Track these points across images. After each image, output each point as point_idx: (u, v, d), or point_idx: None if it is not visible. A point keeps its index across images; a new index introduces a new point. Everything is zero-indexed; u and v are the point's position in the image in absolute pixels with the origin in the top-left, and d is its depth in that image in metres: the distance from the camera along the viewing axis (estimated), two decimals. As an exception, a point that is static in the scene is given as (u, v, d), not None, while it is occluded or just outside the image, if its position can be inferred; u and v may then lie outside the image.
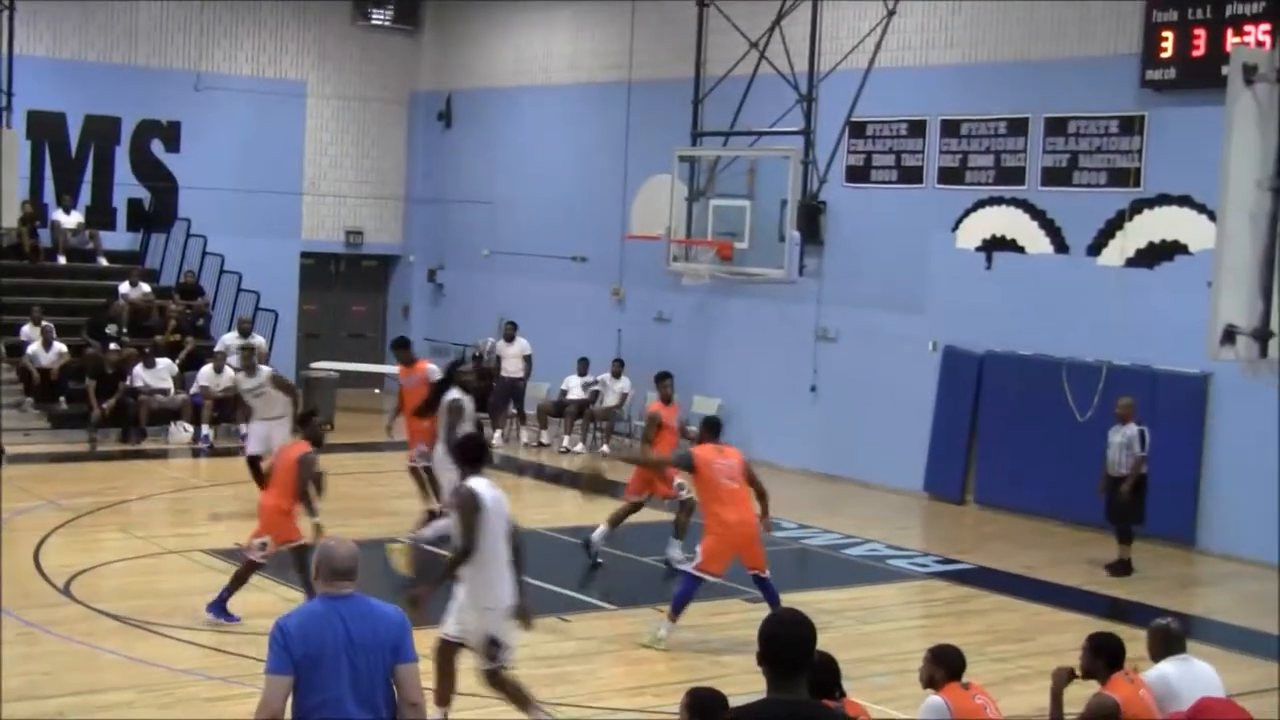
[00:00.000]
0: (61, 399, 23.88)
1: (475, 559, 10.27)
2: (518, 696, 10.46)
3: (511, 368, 25.22)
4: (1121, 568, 17.01)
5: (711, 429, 14.15)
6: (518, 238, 28.38)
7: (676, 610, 13.25)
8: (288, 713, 6.76)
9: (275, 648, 6.79)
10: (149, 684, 11.46)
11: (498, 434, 24.55)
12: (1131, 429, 17.07)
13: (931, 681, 8.60)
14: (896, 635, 14.47)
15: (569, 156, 27.64)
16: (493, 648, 10.30)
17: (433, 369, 18.24)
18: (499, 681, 10.39)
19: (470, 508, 10.20)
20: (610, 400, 24.71)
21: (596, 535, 16.57)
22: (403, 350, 18.75)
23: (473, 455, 10.61)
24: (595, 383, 25.02)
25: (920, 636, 13.69)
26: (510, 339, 25.33)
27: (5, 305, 25.14)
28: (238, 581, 13.47)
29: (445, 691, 10.41)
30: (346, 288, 31.29)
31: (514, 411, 25.46)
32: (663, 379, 18.12)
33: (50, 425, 23.53)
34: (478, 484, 10.33)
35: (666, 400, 17.83)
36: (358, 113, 30.67)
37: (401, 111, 31.14)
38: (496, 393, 24.97)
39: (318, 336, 30.24)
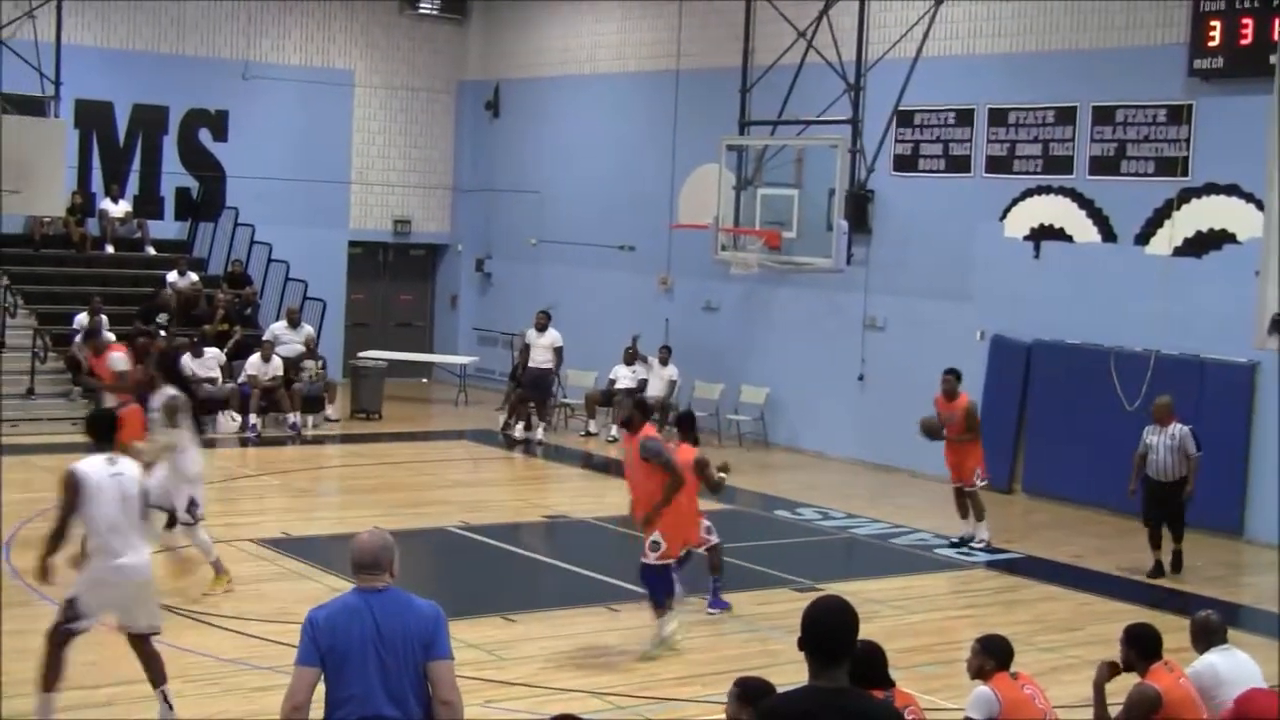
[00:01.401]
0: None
1: (90, 539, 10.17)
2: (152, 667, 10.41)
3: (540, 358, 24.94)
4: (1161, 569, 16.49)
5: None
6: (565, 227, 28.38)
7: (661, 604, 12.99)
8: (317, 710, 6.72)
9: (304, 639, 6.76)
10: (196, 673, 11.50)
11: (520, 425, 24.45)
12: (1177, 430, 16.22)
13: (980, 671, 8.56)
14: (944, 625, 14.41)
15: (616, 146, 27.61)
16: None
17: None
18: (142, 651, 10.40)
19: (69, 488, 10.05)
20: (658, 389, 24.67)
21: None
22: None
23: (99, 432, 10.38)
24: (637, 361, 24.81)
25: (968, 626, 13.63)
26: (541, 329, 25.07)
27: (51, 295, 25.30)
28: None
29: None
30: (394, 277, 31.36)
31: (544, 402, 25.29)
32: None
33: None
34: (88, 463, 10.10)
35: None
36: (405, 102, 30.72)
37: (449, 101, 31.18)
38: (524, 382, 24.84)
39: (366, 326, 30.32)
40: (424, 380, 29.53)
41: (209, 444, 22.91)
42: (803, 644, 5.50)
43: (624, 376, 24.88)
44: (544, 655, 12.43)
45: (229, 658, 11.84)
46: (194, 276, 26.64)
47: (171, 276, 26.35)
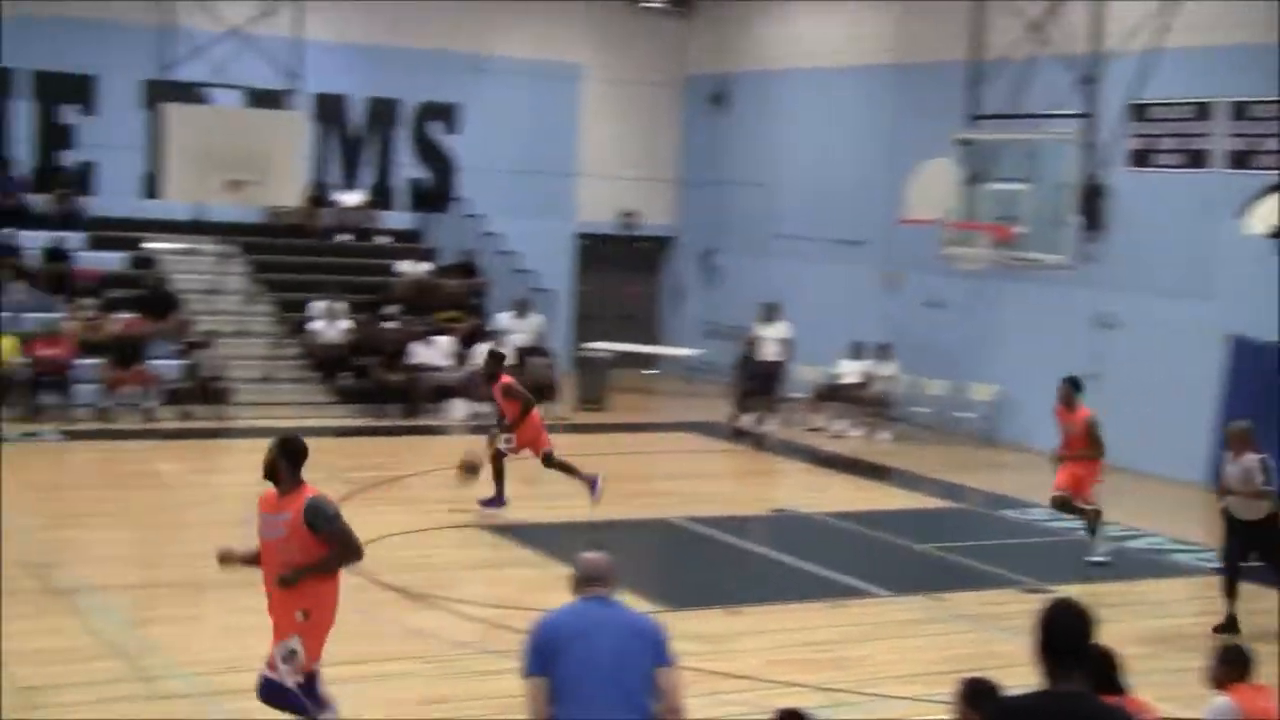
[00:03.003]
0: (344, 375, 24.54)
1: None
2: None
3: (768, 351, 24.97)
4: (1234, 625, 13.79)
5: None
6: (790, 220, 28.28)
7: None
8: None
9: (529, 649, 6.90)
10: (426, 655, 11.70)
11: (747, 418, 24.40)
12: (1250, 460, 13.71)
13: (1219, 681, 8.32)
14: (1177, 632, 14.03)
15: (842, 139, 27.43)
16: None
17: None
18: None
19: None
20: (882, 385, 24.45)
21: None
22: None
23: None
24: (865, 365, 24.73)
25: (1206, 635, 13.25)
26: (768, 322, 25.09)
27: (289, 283, 25.98)
28: None
29: None
30: (620, 269, 31.54)
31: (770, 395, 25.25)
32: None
33: (335, 400, 24.21)
34: None
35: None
36: (632, 95, 30.89)
37: (675, 94, 31.27)
38: (752, 376, 24.82)
39: (592, 317, 30.56)
40: (650, 372, 29.68)
41: (438, 431, 23.43)
42: (1036, 647, 5.41)
43: (849, 372, 24.72)
44: (768, 649, 12.40)
45: (460, 641, 12.01)
46: (425, 266, 27.16)
47: (402, 266, 26.89)
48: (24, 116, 26.45)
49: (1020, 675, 5.63)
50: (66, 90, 26.61)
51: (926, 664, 12.27)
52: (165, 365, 23.32)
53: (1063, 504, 16.34)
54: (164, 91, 23.38)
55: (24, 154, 26.47)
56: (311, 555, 8.77)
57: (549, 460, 17.37)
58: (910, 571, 15.68)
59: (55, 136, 26.71)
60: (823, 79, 27.91)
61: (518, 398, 17.26)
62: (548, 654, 6.82)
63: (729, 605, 13.60)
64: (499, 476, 17.21)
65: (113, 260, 25.31)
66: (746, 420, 24.30)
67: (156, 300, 24.33)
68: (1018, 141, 20.43)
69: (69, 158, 26.77)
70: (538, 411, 17.66)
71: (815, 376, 25.51)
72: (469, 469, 16.95)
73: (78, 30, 26.13)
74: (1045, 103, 20.54)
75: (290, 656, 8.69)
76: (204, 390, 23.08)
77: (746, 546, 16.75)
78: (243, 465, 20.97)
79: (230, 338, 24.47)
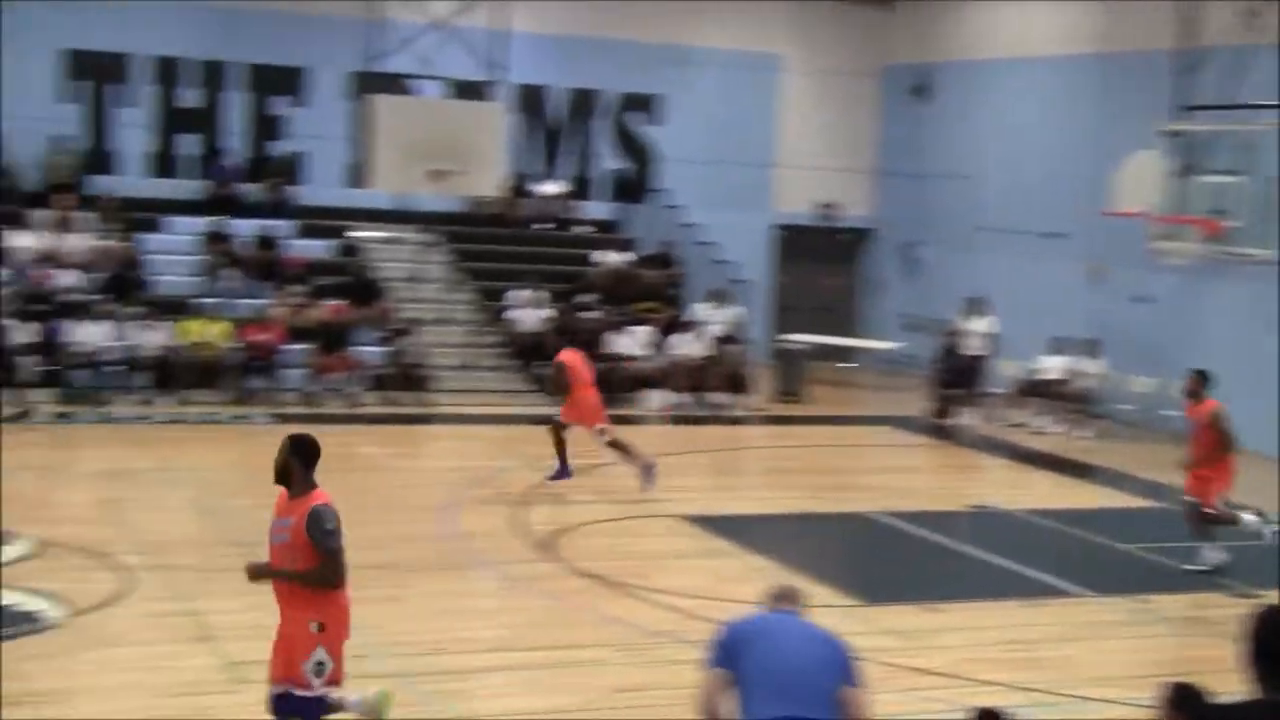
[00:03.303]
0: (542, 363, 24.73)
1: None
2: None
3: (971, 345, 24.67)
4: None
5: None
6: (992, 212, 27.89)
7: None
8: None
9: (714, 644, 7.08)
10: (622, 643, 11.75)
11: (948, 413, 24.09)
12: None
13: None
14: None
15: (1045, 130, 26.98)
16: None
17: None
18: None
19: None
20: (1085, 381, 24.00)
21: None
22: None
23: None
24: (1070, 362, 24.32)
25: None
26: (973, 315, 24.79)
27: (489, 272, 26.31)
28: None
29: None
30: (819, 260, 31.38)
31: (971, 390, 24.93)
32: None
33: (533, 388, 24.43)
34: None
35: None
36: (832, 85, 30.72)
37: (874, 84, 31.03)
38: (954, 370, 24.52)
39: (790, 309, 30.45)
40: (847, 365, 29.51)
41: (634, 420, 23.53)
42: (1246, 653, 5.25)
43: (1051, 367, 24.31)
44: (965, 646, 12.24)
45: (655, 630, 12.05)
46: (624, 256, 27.30)
47: (601, 256, 27.06)
48: (237, 108, 27.17)
49: (1227, 682, 5.48)
50: (278, 82, 27.28)
51: (1127, 667, 12.03)
52: (369, 351, 23.77)
53: (1196, 514, 15.20)
54: (371, 83, 23.82)
55: (237, 144, 27.19)
56: (310, 565, 8.21)
57: (602, 435, 17.71)
58: (1112, 572, 15.36)
59: (267, 127, 27.40)
60: (1026, 69, 27.48)
61: (564, 375, 17.73)
62: (732, 650, 6.97)
63: (926, 601, 13.46)
64: (560, 448, 17.49)
65: (320, 248, 25.88)
66: (947, 415, 24.01)
67: (361, 288, 24.81)
68: (1230, 133, 19.91)
69: (279, 148, 27.43)
70: (594, 389, 17.92)
71: (1016, 372, 25.12)
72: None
73: (289, 24, 26.77)
74: (1260, 93, 19.97)
75: (320, 669, 8.24)
76: (406, 376, 23.48)
77: (945, 542, 16.55)
78: (442, 451, 21.41)
79: (431, 325, 24.86)
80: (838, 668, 6.96)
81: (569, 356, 17.87)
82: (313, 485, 8.27)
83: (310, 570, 8.16)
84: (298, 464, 8.24)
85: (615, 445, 17.60)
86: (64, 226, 24.19)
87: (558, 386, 17.84)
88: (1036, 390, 24.41)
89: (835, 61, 30.64)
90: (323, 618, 8.19)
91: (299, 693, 8.18)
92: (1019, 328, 25.02)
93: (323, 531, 8.09)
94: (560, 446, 17.47)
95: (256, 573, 8.38)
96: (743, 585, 13.51)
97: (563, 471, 17.41)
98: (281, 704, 8.27)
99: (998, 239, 27.61)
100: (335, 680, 8.26)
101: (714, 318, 25.72)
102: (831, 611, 12.90)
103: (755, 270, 28.94)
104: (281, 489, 8.36)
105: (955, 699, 10.58)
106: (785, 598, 7.30)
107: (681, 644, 11.64)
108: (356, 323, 24.17)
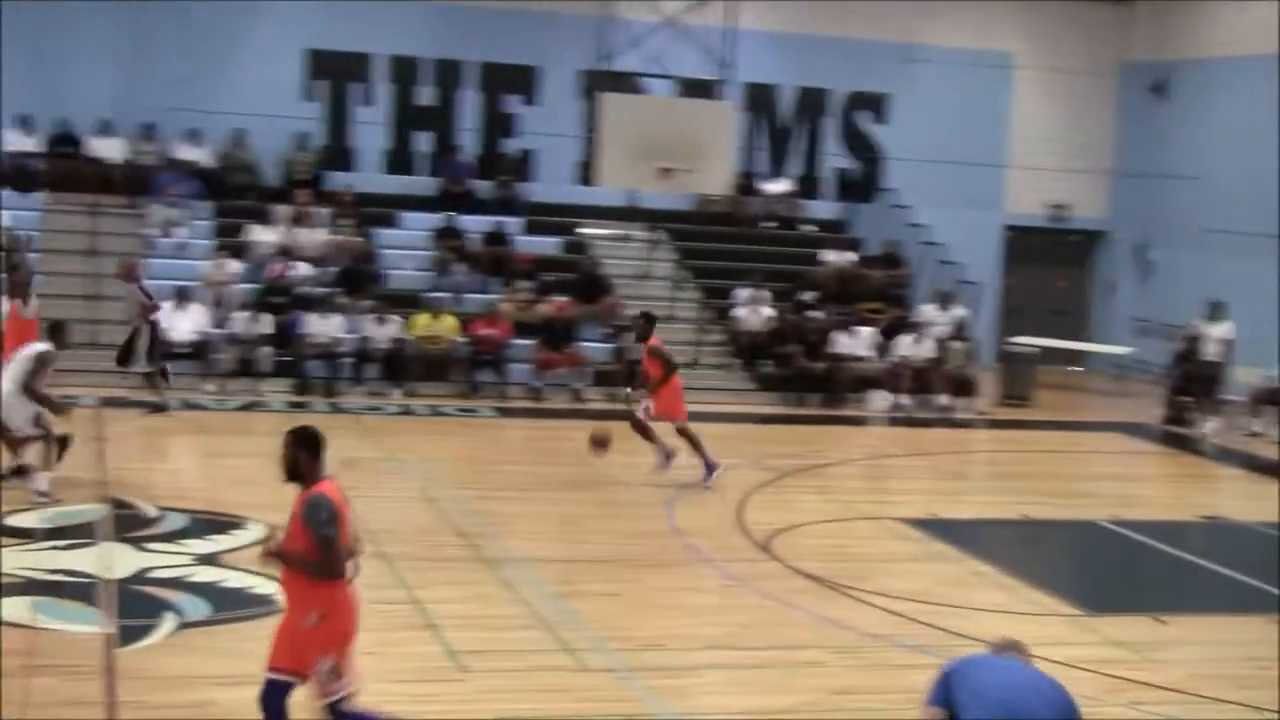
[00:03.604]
0: (766, 362, 24.72)
1: None
2: None
3: (1209, 350, 23.91)
4: None
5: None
6: (1230, 215, 27.09)
7: None
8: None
9: (936, 680, 7.05)
10: (840, 645, 11.66)
11: (1184, 420, 23.44)
12: None
13: None
14: None
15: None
16: None
17: None
18: None
19: None
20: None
21: None
22: None
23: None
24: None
25: None
26: (1213, 320, 24.05)
27: (714, 270, 26.35)
28: None
29: None
30: (1049, 262, 30.83)
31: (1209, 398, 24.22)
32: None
33: (756, 387, 24.42)
34: None
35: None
36: (1065, 84, 30.16)
37: (1109, 83, 30.37)
38: (1191, 376, 23.82)
39: (1018, 311, 29.97)
40: (1077, 369, 28.92)
41: (858, 421, 23.38)
42: None
43: (1291, 375, 23.56)
44: (1195, 661, 11.86)
45: (874, 633, 11.94)
46: (849, 256, 27.13)
47: (827, 255, 26.92)
48: (470, 106, 27.65)
49: None
50: (510, 80, 27.71)
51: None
52: (594, 347, 23.96)
53: None
54: (601, 81, 24.03)
55: (469, 142, 27.67)
56: (307, 553, 7.96)
57: (683, 432, 17.41)
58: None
59: (499, 125, 27.83)
60: (1270, 66, 26.61)
61: (662, 359, 17.46)
62: (952, 688, 6.93)
63: (1154, 612, 13.10)
64: (650, 437, 17.37)
65: (548, 245, 26.17)
66: (1182, 422, 23.38)
67: (587, 284, 25.02)
68: None
69: (511, 145, 27.85)
70: (679, 379, 17.67)
71: (1253, 379, 24.34)
72: (599, 443, 17.01)
73: (522, 23, 27.15)
74: None
75: (332, 673, 8.00)
76: (631, 373, 23.58)
77: (1174, 553, 16.09)
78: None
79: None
80: (1061, 716, 6.85)
81: (658, 342, 17.85)
82: (320, 476, 8.07)
83: (309, 559, 7.94)
84: (305, 456, 8.04)
85: (692, 440, 17.51)
86: (302, 221, 24.85)
87: (667, 375, 17.54)
88: (1274, 398, 23.64)
89: (1068, 59, 30.05)
90: (322, 609, 7.97)
91: (327, 700, 8.01)
92: (1257, 333, 24.27)
93: (317, 521, 7.87)
94: (651, 436, 17.43)
95: (270, 555, 8.15)
96: (964, 590, 13.33)
97: (666, 457, 17.36)
98: (273, 691, 8.08)
99: (1232, 241, 26.80)
100: (344, 676, 8.05)
101: (938, 319, 25.41)
102: (1054, 620, 12.66)
103: (983, 271, 28.52)
104: None
105: (1185, 714, 10.31)
106: (1011, 648, 7.22)
107: (901, 648, 11.53)
108: (582, 319, 24.38)
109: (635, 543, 14.67)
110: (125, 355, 20.37)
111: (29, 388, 14.75)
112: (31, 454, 14.97)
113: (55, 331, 15.60)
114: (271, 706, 8.08)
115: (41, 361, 14.96)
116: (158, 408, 20.04)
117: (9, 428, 14.79)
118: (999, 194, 30.01)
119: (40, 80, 25.24)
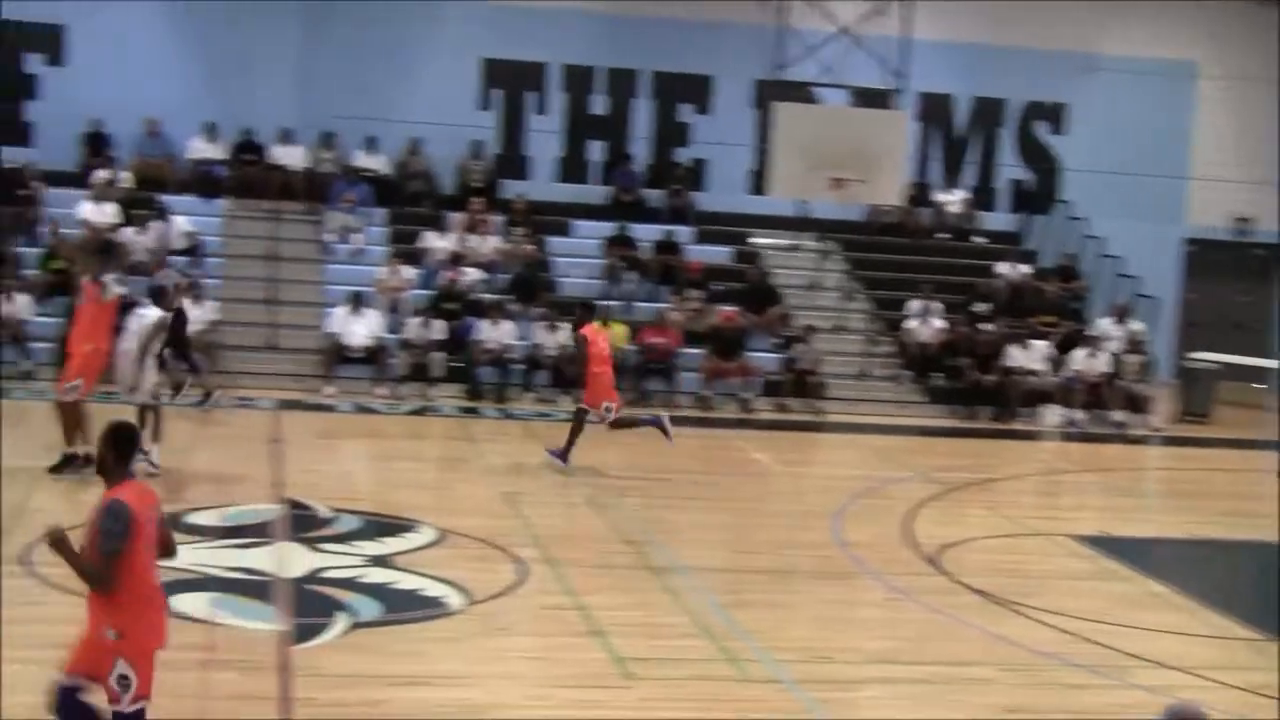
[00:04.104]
0: (937, 374, 24.50)
1: None
2: None
3: None
4: None
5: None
6: None
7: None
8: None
9: None
10: (1009, 662, 11.50)
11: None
12: None
13: None
14: None
15: None
16: None
17: None
18: None
19: None
20: None
21: None
22: None
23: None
24: None
25: None
26: None
27: (885, 281, 26.19)
28: None
29: None
30: (1231, 276, 30.15)
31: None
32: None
33: (926, 399, 24.21)
34: None
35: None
36: (1250, 93, 29.47)
37: (1299, 93, 29.67)
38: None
39: (1199, 326, 29.35)
40: (1260, 386, 28.27)
41: (1029, 436, 23.06)
42: None
43: None
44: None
45: (1044, 651, 11.77)
46: (1024, 268, 26.79)
47: (1001, 268, 26.60)
48: (643, 115, 27.79)
49: None
50: (683, 90, 27.82)
51: None
52: (763, 357, 23.92)
53: None
54: (775, 90, 24.02)
55: (642, 151, 27.80)
56: (89, 555, 7.34)
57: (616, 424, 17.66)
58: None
59: (672, 134, 27.94)
60: None
61: (580, 349, 17.59)
62: None
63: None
64: (632, 424, 17.88)
65: (718, 254, 26.20)
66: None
67: (757, 294, 24.99)
68: None
69: (683, 154, 27.94)
70: (609, 372, 17.69)
71: None
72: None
73: (696, 32, 27.22)
74: None
75: (124, 682, 7.32)
76: (800, 383, 23.55)
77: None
78: (833, 459, 21.40)
79: (827, 333, 24.85)
80: None
81: (588, 331, 17.78)
82: (124, 477, 7.52)
83: (85, 559, 7.32)
84: (112, 456, 7.50)
85: (627, 423, 17.75)
86: (475, 229, 25.14)
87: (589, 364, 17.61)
88: None
89: (1255, 68, 29.35)
90: (121, 625, 7.35)
91: (114, 708, 7.38)
92: None
93: (105, 531, 7.27)
94: (575, 432, 17.55)
95: (51, 540, 7.30)
96: (1138, 611, 13.07)
97: (563, 454, 17.40)
98: (67, 699, 7.50)
99: None
100: (144, 695, 7.38)
101: (1114, 333, 24.97)
102: (1235, 644, 12.37)
103: (1161, 285, 27.96)
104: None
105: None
106: (1189, 715, 7.02)
107: (1072, 667, 11.34)
108: (752, 328, 24.37)
109: (801, 553, 14.61)
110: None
111: (152, 352, 15.31)
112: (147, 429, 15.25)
113: (161, 295, 15.80)
114: (70, 712, 7.50)
115: (160, 327, 15.49)
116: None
117: (139, 389, 15.34)
118: (1179, 206, 29.42)
119: (224, 90, 25.86)
